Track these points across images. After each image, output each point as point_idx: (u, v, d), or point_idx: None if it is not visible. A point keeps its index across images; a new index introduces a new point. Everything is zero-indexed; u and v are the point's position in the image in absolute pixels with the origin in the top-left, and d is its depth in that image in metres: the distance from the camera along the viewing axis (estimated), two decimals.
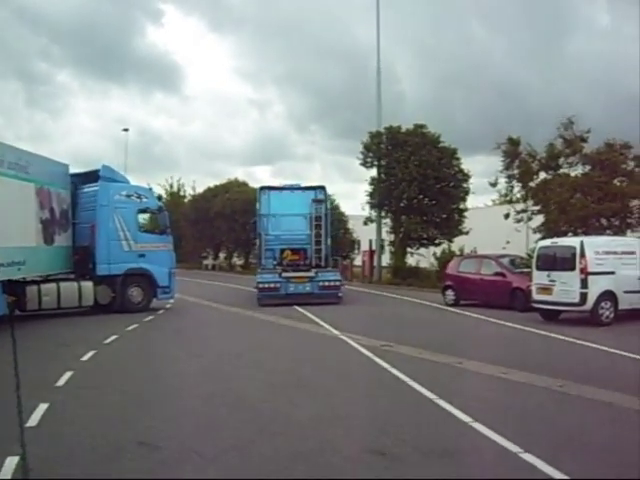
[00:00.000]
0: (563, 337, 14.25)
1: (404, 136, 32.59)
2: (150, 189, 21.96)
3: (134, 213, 20.82)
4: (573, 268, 16.30)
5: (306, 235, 24.86)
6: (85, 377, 10.40)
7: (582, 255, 16.20)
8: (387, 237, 35.17)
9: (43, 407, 8.07)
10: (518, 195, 25.69)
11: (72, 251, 20.71)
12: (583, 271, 16.13)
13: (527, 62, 73.10)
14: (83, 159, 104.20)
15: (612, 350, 12.34)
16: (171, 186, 65.15)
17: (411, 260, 34.26)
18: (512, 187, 25.80)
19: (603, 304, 16.29)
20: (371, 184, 33.88)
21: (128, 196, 20.86)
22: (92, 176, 20.95)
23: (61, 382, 9.84)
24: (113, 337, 14.61)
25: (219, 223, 51.55)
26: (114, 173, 21.09)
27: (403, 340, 13.92)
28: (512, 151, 25.12)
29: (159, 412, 8.04)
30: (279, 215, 24.98)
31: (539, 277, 17.24)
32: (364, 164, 33.77)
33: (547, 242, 17.91)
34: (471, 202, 35.08)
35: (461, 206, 33.28)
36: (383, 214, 34.60)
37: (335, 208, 41.38)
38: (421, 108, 69.43)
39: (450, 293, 22.22)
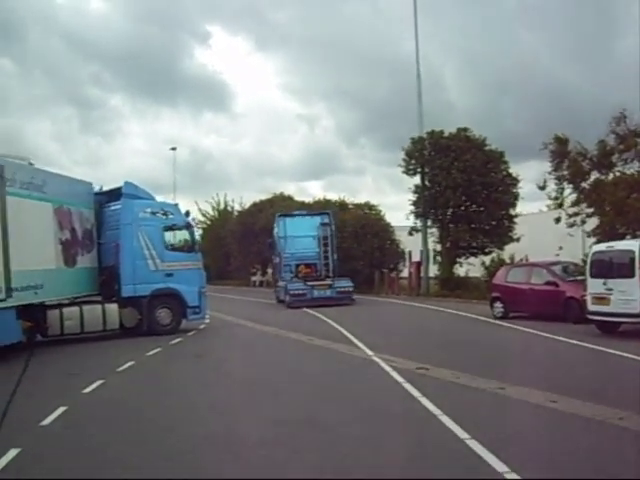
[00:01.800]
0: (622, 353, 12.59)
1: (447, 141, 31.13)
2: (176, 205, 20.97)
3: (160, 231, 19.87)
4: (632, 275, 14.59)
5: (316, 252, 31.14)
6: (77, 414, 9.29)
7: None
8: (434, 247, 33.55)
9: (12, 453, 7.04)
10: (569, 197, 23.83)
11: (98, 272, 19.87)
12: None
13: (575, 64, 70.59)
14: (137, 180, 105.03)
15: None
16: (218, 203, 64.91)
17: (460, 270, 32.53)
18: (562, 189, 23.97)
19: None
20: (415, 192, 32.42)
21: (153, 213, 19.93)
22: (116, 194, 20.12)
23: (47, 421, 8.76)
24: (129, 364, 13.60)
25: (264, 238, 50.49)
26: (137, 190, 20.15)
27: (442, 361, 12.56)
28: (560, 151, 23.37)
29: (142, 453, 6.90)
30: (293, 237, 31.49)
31: (594, 285, 15.58)
32: (406, 172, 32.38)
33: (602, 246, 16.13)
34: (525, 208, 33.47)
35: (511, 212, 31.56)
36: (429, 223, 33.05)
37: (379, 219, 40.16)
38: (470, 116, 67.62)
39: (498, 305, 20.63)
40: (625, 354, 12.47)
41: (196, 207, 63.74)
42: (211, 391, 10.85)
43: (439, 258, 32.79)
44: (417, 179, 32.50)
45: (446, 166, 30.21)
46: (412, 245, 35.96)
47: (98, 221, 20.27)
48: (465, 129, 31.56)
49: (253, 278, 56.86)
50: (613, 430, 7.35)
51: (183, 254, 20.35)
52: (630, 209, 20.30)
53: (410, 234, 34.16)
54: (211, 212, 65.33)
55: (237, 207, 63.07)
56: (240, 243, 54.66)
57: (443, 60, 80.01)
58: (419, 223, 33.09)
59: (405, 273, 36.88)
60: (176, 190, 63.80)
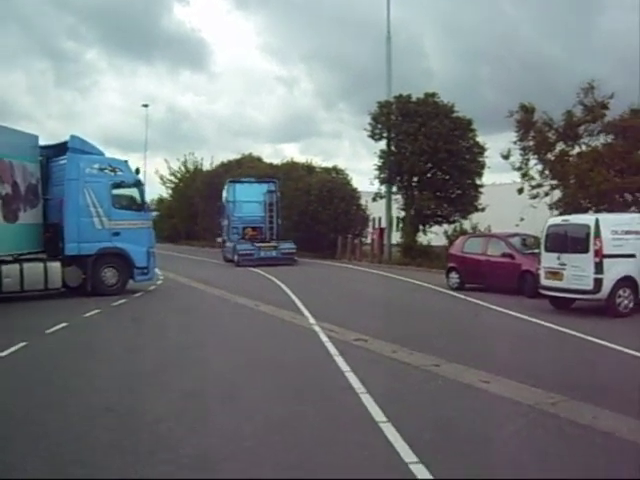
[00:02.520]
0: (571, 332, 12.13)
1: (414, 106, 30.39)
2: (126, 162, 20.03)
3: (107, 187, 19.04)
4: (586, 250, 14.12)
5: (261, 217, 34.13)
6: None
7: (597, 235, 14.01)
8: (398, 214, 33.02)
9: None
10: (534, 169, 23.34)
11: (43, 229, 19.04)
12: (598, 253, 13.93)
13: (556, 37, 69.78)
14: (111, 137, 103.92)
15: (626, 350, 10.21)
16: (185, 162, 63.70)
17: (424, 239, 32.00)
18: (527, 160, 23.44)
19: (621, 292, 14.09)
20: (381, 157, 31.71)
21: (101, 169, 19.07)
22: (64, 148, 19.19)
23: None
24: (61, 325, 12.97)
25: None
26: (85, 144, 19.22)
27: (383, 332, 12.16)
28: (526, 120, 22.79)
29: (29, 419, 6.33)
30: (242, 202, 34.36)
31: (548, 260, 15.10)
32: (372, 136, 31.65)
33: (557, 220, 15.59)
34: (498, 179, 32.93)
35: (477, 181, 31.04)
36: (395, 190, 32.45)
37: (346, 184, 39.52)
38: (448, 84, 66.71)
39: (454, 276, 20.16)
40: (573, 332, 12.00)
41: (166, 165, 62.74)
42: (133, 357, 10.22)
43: (402, 225, 32.19)
44: (383, 144, 31.78)
45: (412, 132, 29.53)
46: (380, 212, 35.40)
47: (45, 176, 19.37)
48: (433, 94, 30.83)
49: (219, 239, 55.85)
50: (541, 416, 6.89)
51: (132, 212, 19.58)
52: (592, 182, 19.81)
53: (374, 200, 33.56)
54: (181, 171, 64.20)
55: (207, 167, 61.85)
56: (207, 203, 53.68)
57: (424, 27, 79.03)
58: (384, 189, 32.42)
59: (370, 239, 36.34)
60: (151, 148, 63.10)
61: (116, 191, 19.36)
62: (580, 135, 22.14)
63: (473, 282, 19.58)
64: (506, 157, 23.80)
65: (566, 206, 20.88)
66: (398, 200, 32.41)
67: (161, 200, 70.28)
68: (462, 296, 18.21)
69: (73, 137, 18.96)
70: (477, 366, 9.14)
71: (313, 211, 37.97)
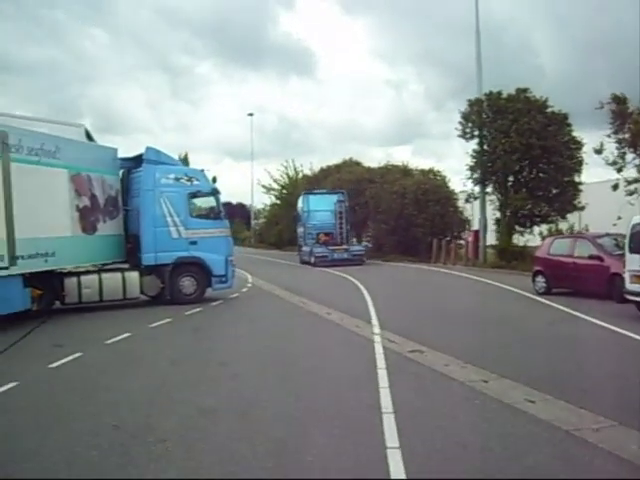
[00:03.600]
0: None
1: (505, 102, 29.09)
2: (202, 171, 20.16)
3: (184, 197, 19.16)
4: None
5: (332, 224, 37.58)
6: (26, 391, 8.73)
7: None
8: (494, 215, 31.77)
9: None
10: (631, 163, 21.69)
11: (124, 240, 19.42)
12: None
13: None
14: (222, 147, 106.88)
15: None
16: (286, 168, 64.16)
17: (521, 241, 30.63)
18: (624, 153, 21.83)
19: None
20: (473, 157, 30.59)
21: (177, 179, 19.22)
22: (141, 160, 19.52)
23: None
24: (123, 336, 13.06)
25: None
26: (160, 155, 19.43)
27: (445, 343, 11.51)
28: (621, 111, 21.22)
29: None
30: (315, 211, 38.75)
31: (633, 262, 13.90)
32: (463, 135, 30.58)
33: None
34: (601, 177, 30.99)
35: (575, 179, 29.37)
36: (490, 190, 31.22)
37: (441, 185, 38.54)
38: (562, 81, 63.92)
39: (540, 280, 19.02)
40: None
41: (267, 174, 63.48)
42: (173, 370, 10.06)
43: (498, 227, 30.92)
44: (474, 144, 30.66)
45: (503, 129, 28.29)
46: (478, 213, 34.26)
47: (125, 188, 19.77)
48: (525, 90, 29.42)
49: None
50: (574, 446, 6.11)
51: (209, 221, 19.62)
52: None
53: (467, 201, 32.47)
54: (283, 178, 64.75)
55: (308, 172, 62.05)
56: None
57: (533, 23, 76.21)
58: (477, 190, 31.29)
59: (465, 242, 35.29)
60: (264, 157, 64.32)
61: (193, 200, 19.49)
62: None
63: (560, 286, 18.41)
64: (599, 152, 22.33)
65: None
66: (493, 201, 31.14)
67: (264, 209, 71.50)
68: (546, 301, 17.14)
69: (148, 148, 19.21)
70: (529, 382, 8.36)
71: (408, 215, 37.29)
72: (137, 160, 19.79)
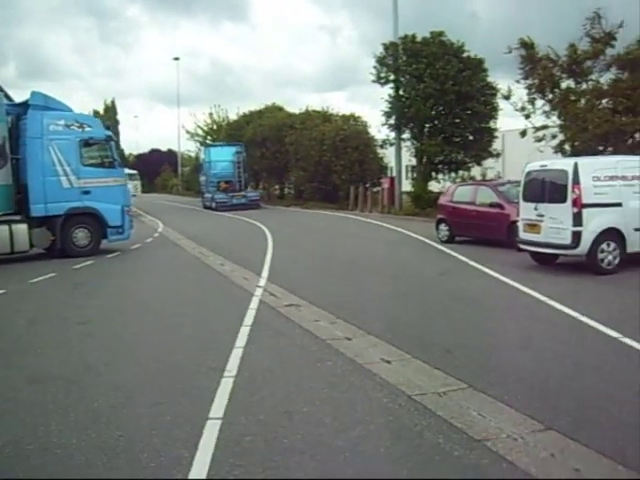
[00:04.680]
0: (532, 293, 10.83)
1: (420, 46, 28.45)
2: (95, 117, 19.05)
3: (75, 145, 18.14)
4: (564, 199, 12.60)
5: (232, 173, 42.16)
6: None
7: (575, 182, 12.44)
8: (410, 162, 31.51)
9: None
10: (539, 110, 21.47)
11: (13, 190, 18.27)
12: (576, 203, 12.38)
13: None
14: (157, 92, 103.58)
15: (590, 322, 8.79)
16: (210, 114, 62.58)
17: (437, 188, 30.43)
18: (534, 100, 21.55)
19: (604, 246, 12.48)
20: (389, 102, 29.98)
21: (67, 126, 18.14)
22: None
23: None
24: None
25: (251, 151, 48.52)
26: (48, 100, 18.21)
27: (327, 296, 11.28)
28: (530, 56, 20.84)
29: None
30: (216, 161, 43.00)
31: (526, 210, 13.65)
32: (377, 80, 29.85)
33: (535, 165, 13.89)
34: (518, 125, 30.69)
35: (491, 125, 29.14)
36: (406, 137, 30.78)
37: (361, 132, 38.00)
38: (496, 30, 63.41)
39: (443, 228, 18.79)
40: (534, 294, 10.70)
41: (193, 119, 61.94)
42: (28, 331, 9.39)
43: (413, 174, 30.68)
44: (389, 88, 30.02)
45: (417, 74, 27.72)
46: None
47: (15, 135, 18.48)
48: (440, 33, 28.77)
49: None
50: (415, 413, 5.74)
51: (103, 170, 18.68)
52: (590, 123, 17.97)
53: (381, 147, 32.05)
54: (208, 124, 63.13)
55: (234, 118, 60.49)
56: None
57: None
58: (393, 136, 30.81)
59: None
60: (197, 102, 62.75)
61: (85, 148, 18.46)
62: (587, 71, 20.10)
63: (463, 235, 18.23)
64: (507, 97, 22.08)
65: (565, 150, 19.08)
66: (409, 147, 30.76)
67: (190, 156, 69.96)
68: (446, 250, 16.93)
69: (34, 93, 18.04)
70: (393, 340, 8.00)
71: (327, 161, 36.78)
72: (26, 106, 18.55)
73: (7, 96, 26.78)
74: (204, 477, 4.53)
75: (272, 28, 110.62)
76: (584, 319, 8.78)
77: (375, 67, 29.76)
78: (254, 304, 10.58)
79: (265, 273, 13.87)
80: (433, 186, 29.97)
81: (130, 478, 4.67)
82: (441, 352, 7.54)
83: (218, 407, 5.82)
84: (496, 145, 30.09)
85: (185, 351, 7.95)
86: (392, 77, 29.45)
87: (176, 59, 75.58)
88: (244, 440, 5.15)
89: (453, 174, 30.14)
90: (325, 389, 6.32)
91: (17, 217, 17.96)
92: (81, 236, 18.26)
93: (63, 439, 5.29)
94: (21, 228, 17.48)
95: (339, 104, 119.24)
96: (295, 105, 49.22)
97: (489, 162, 29.58)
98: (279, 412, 5.74)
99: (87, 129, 18.37)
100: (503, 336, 8.33)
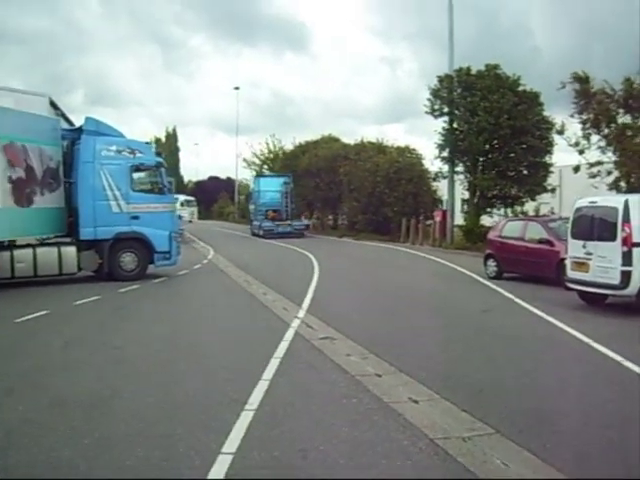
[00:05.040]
0: (576, 334, 10.45)
1: (475, 79, 28.20)
2: (147, 143, 19.35)
3: (125, 170, 18.43)
4: (614, 237, 12.19)
5: (279, 202, 44.12)
6: None
7: (626, 220, 12.03)
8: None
9: None
10: (595, 145, 20.93)
11: (65, 213, 18.63)
12: (626, 242, 11.97)
13: None
14: (218, 121, 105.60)
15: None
16: (267, 144, 63.15)
17: (490, 222, 29.94)
18: (589, 135, 21.05)
19: None
20: (442, 135, 29.74)
21: (119, 151, 18.46)
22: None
23: None
24: (40, 313, 12.56)
25: (306, 181, 48.76)
26: (100, 125, 18.61)
27: (363, 330, 11.02)
28: (584, 91, 20.40)
29: None
30: (265, 191, 45.27)
31: (574, 248, 13.23)
32: (431, 112, 29.67)
33: (585, 202, 13.54)
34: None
35: (547, 160, 28.60)
36: (460, 169, 30.44)
37: (415, 164, 37.80)
38: (556, 63, 62.70)
39: (491, 263, 18.36)
40: (577, 334, 10.30)
41: (250, 148, 62.63)
42: (62, 352, 9.45)
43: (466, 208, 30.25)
44: (443, 121, 29.81)
45: (471, 107, 27.45)
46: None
47: (70, 159, 18.88)
48: (495, 66, 28.49)
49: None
50: (436, 457, 5.49)
51: (152, 196, 18.95)
52: None
53: (434, 180, 31.77)
54: (264, 154, 63.69)
55: (290, 147, 60.90)
56: None
57: (530, 3, 74.82)
58: (446, 169, 30.55)
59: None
60: (258, 132, 64.05)
61: (135, 174, 18.78)
62: None
63: (511, 271, 17.78)
64: (560, 132, 21.63)
65: (621, 188, 18.52)
66: (462, 181, 30.42)
67: (246, 184, 70.59)
68: (493, 286, 16.55)
69: (87, 119, 18.47)
70: (426, 379, 7.74)
71: (380, 193, 36.65)
72: (80, 131, 18.98)
73: (69, 121, 27.70)
74: None
75: (333, 59, 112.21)
76: (628, 364, 8.37)
77: (429, 99, 29.65)
78: (289, 335, 10.44)
79: (306, 304, 13.73)
80: (485, 220, 29.47)
81: (133, 478, 4.70)
82: (473, 393, 7.27)
83: (233, 441, 5.68)
84: (552, 180, 29.50)
85: (211, 382, 7.83)
86: (446, 110, 29.22)
87: (236, 88, 77.14)
88: (252, 476, 4.99)
89: (507, 209, 29.60)
90: (345, 427, 6.11)
91: (67, 239, 18.31)
92: (128, 260, 18.46)
93: (73, 467, 5.22)
94: (70, 250, 17.79)
95: (397, 136, 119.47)
96: (353, 136, 50.10)
97: (545, 197, 29.02)
98: (294, 449, 5.56)
99: (138, 155, 18.65)
100: (540, 378, 7.99)
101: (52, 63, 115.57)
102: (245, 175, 77.71)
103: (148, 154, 19.07)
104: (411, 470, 5.15)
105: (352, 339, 10.15)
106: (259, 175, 50.46)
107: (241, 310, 13.69)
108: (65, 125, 19.09)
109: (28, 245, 17.56)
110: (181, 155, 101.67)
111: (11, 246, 17.18)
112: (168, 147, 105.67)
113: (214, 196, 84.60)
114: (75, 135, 19.09)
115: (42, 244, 17.95)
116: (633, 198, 12.45)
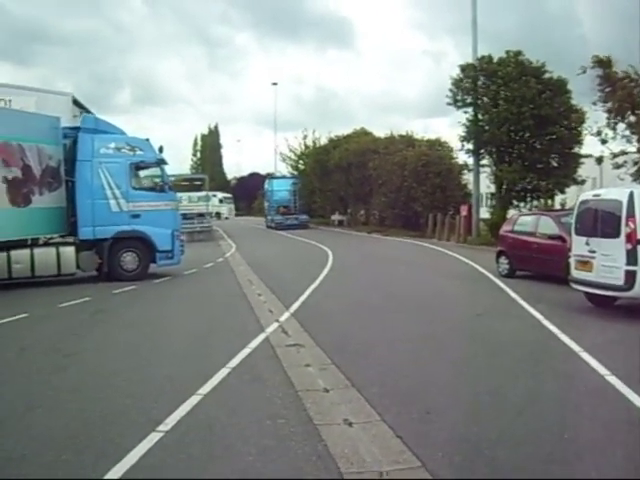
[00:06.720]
0: (565, 339, 9.58)
1: (496, 67, 27.00)
2: (147, 140, 18.87)
3: (125, 168, 18.05)
4: (617, 234, 11.20)
5: (288, 199, 52.47)
6: None
7: (630, 214, 11.01)
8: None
9: None
10: (620, 134, 19.70)
11: (66, 213, 18.29)
12: (630, 238, 10.94)
13: None
14: (264, 118, 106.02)
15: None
16: (305, 138, 62.21)
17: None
18: (615, 124, 19.80)
19: None
20: (466, 127, 28.63)
21: (118, 149, 18.10)
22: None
23: None
24: (20, 316, 12.42)
25: (337, 176, 48.01)
26: (98, 123, 18.26)
27: (339, 336, 10.39)
28: (608, 75, 19.12)
29: None
30: (277, 190, 53.27)
31: (578, 245, 12.26)
32: (454, 103, 28.58)
33: (589, 195, 12.54)
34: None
35: (576, 150, 27.26)
36: (486, 162, 29.31)
37: (443, 157, 36.70)
38: (606, 51, 60.20)
39: (503, 261, 17.37)
40: (575, 346, 9.32)
41: (287, 144, 61.97)
42: (11, 361, 8.99)
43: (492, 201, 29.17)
44: (466, 112, 28.69)
45: (492, 96, 26.31)
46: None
47: (71, 158, 18.51)
48: (518, 52, 27.18)
49: (333, 217, 54.28)
50: None
51: (153, 194, 18.57)
52: None
53: (459, 173, 30.67)
54: (301, 148, 62.78)
55: (325, 142, 59.93)
56: (320, 180, 52.31)
57: None
58: (471, 161, 29.45)
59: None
60: (300, 127, 64.67)
61: (136, 172, 18.40)
62: None
63: (523, 269, 16.81)
64: (582, 121, 20.38)
65: None
66: (489, 174, 29.29)
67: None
68: (502, 285, 15.63)
69: (85, 116, 18.24)
70: (378, 396, 7.01)
71: (408, 187, 35.74)
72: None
73: (87, 110, 27.48)
74: None
75: (376, 53, 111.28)
76: (611, 379, 7.47)
77: (450, 89, 28.56)
78: (256, 342, 9.80)
79: (295, 306, 13.09)
80: (512, 214, 28.29)
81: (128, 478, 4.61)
82: (419, 414, 6.49)
83: (120, 468, 5.07)
84: (589, 172, 28.15)
85: (141, 396, 7.22)
86: (469, 100, 28.11)
87: (274, 84, 77.12)
88: None
89: (535, 202, 28.40)
90: (251, 457, 5.42)
91: (70, 239, 17.99)
92: (129, 260, 18.09)
93: None
94: (68, 251, 17.50)
95: (441, 130, 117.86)
96: (398, 131, 49.08)
97: (577, 190, 27.75)
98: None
99: (138, 152, 18.25)
100: (504, 396, 7.13)
101: (98, 64, 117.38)
102: (283, 171, 77.35)
103: (148, 151, 18.64)
104: None
105: (321, 347, 9.49)
106: (272, 177, 59.28)
107: (223, 314, 12.98)
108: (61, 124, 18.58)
109: (25, 246, 17.27)
110: (225, 152, 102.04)
111: (8, 247, 16.87)
112: (210, 144, 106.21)
113: (255, 192, 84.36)
114: (77, 133, 18.72)
115: (40, 244, 17.64)
116: (638, 190, 11.39)
